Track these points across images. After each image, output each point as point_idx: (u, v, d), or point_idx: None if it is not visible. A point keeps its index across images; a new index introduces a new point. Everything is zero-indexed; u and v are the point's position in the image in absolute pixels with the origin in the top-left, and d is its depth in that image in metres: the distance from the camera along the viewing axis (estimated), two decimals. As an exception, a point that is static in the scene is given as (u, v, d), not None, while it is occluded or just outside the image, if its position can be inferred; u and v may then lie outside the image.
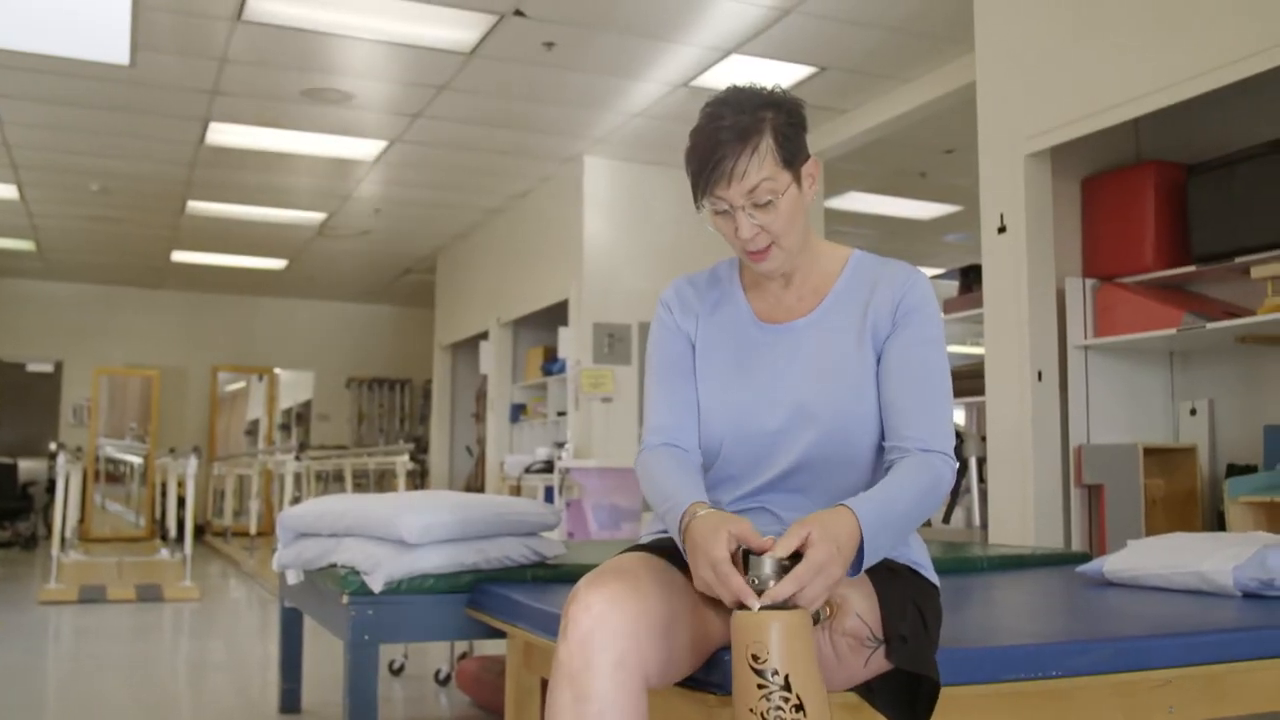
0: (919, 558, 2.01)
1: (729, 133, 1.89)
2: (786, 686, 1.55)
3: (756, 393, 2.02)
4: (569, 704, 1.65)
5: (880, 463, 2.02)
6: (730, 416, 2.03)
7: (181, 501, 9.46)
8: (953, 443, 1.97)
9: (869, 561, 1.76)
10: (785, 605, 1.61)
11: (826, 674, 1.72)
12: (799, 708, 1.55)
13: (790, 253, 1.99)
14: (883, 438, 2.01)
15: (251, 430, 16.29)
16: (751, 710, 1.56)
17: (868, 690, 1.83)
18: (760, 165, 1.89)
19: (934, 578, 2.01)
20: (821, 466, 1.99)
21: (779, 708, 1.55)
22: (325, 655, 4.77)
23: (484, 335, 11.36)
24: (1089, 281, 5.09)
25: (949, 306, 5.96)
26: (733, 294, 2.14)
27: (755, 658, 1.56)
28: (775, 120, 1.92)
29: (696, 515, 1.78)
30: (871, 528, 1.74)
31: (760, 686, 1.55)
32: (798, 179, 1.95)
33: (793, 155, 1.93)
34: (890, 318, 2.01)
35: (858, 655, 1.78)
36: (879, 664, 1.81)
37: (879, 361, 2.01)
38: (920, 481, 1.88)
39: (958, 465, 1.97)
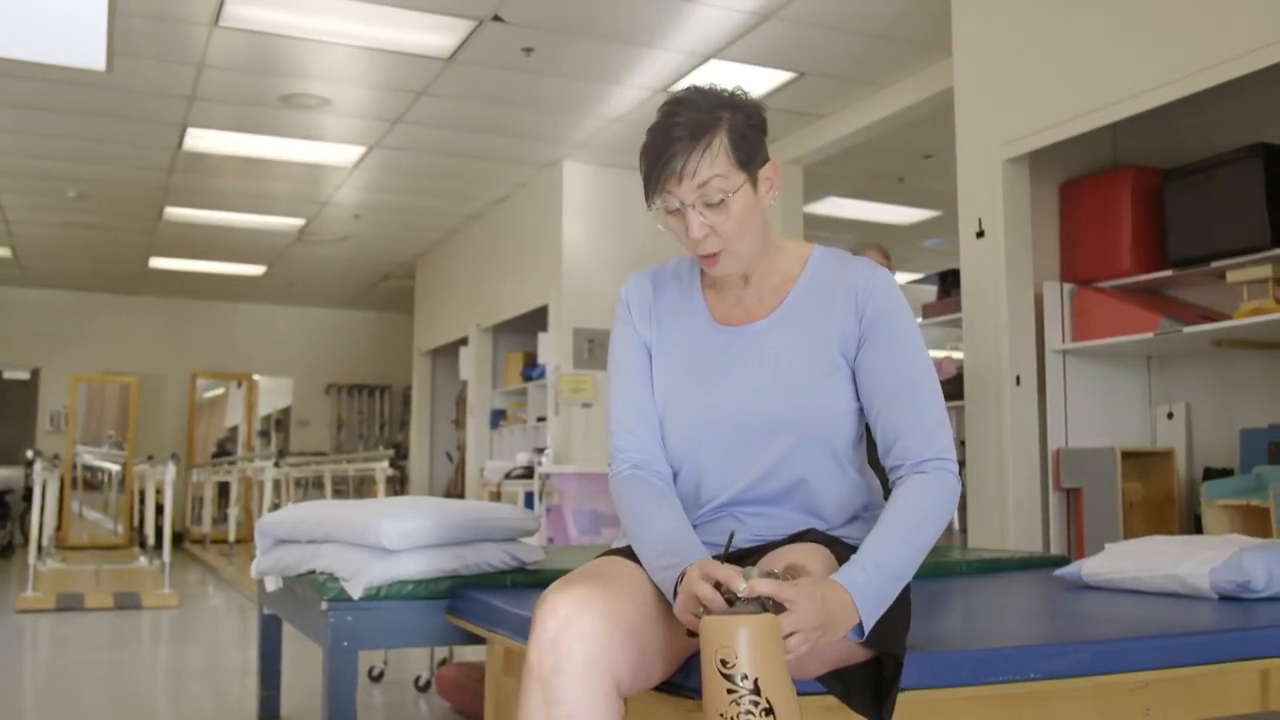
0: None
1: (683, 130, 1.86)
2: (756, 690, 1.54)
3: (721, 400, 1.98)
4: (539, 706, 1.64)
5: (854, 468, 2.01)
6: (695, 425, 2.00)
7: (160, 508, 9.41)
8: (949, 441, 1.92)
9: (870, 624, 1.74)
10: (756, 610, 1.60)
11: (800, 658, 1.70)
12: (769, 711, 1.54)
13: (743, 258, 1.96)
14: (856, 441, 2.01)
15: (231, 437, 16.24)
16: (722, 715, 1.55)
17: (844, 691, 1.82)
18: (712, 162, 1.85)
19: None
20: (792, 474, 1.97)
21: (749, 712, 1.54)
22: (304, 662, 4.74)
23: (464, 341, 11.35)
24: (1067, 286, 5.11)
25: (927, 311, 5.98)
26: (691, 293, 2.10)
27: (724, 662, 1.55)
28: (732, 120, 1.89)
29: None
30: (868, 606, 1.72)
31: (730, 691, 1.54)
32: (754, 181, 1.91)
33: (749, 156, 1.90)
34: (857, 322, 1.97)
35: None
36: (850, 646, 1.79)
37: (855, 373, 1.97)
38: (917, 512, 1.84)
39: (958, 467, 1.94)
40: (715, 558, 1.73)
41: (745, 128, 1.90)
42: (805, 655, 1.72)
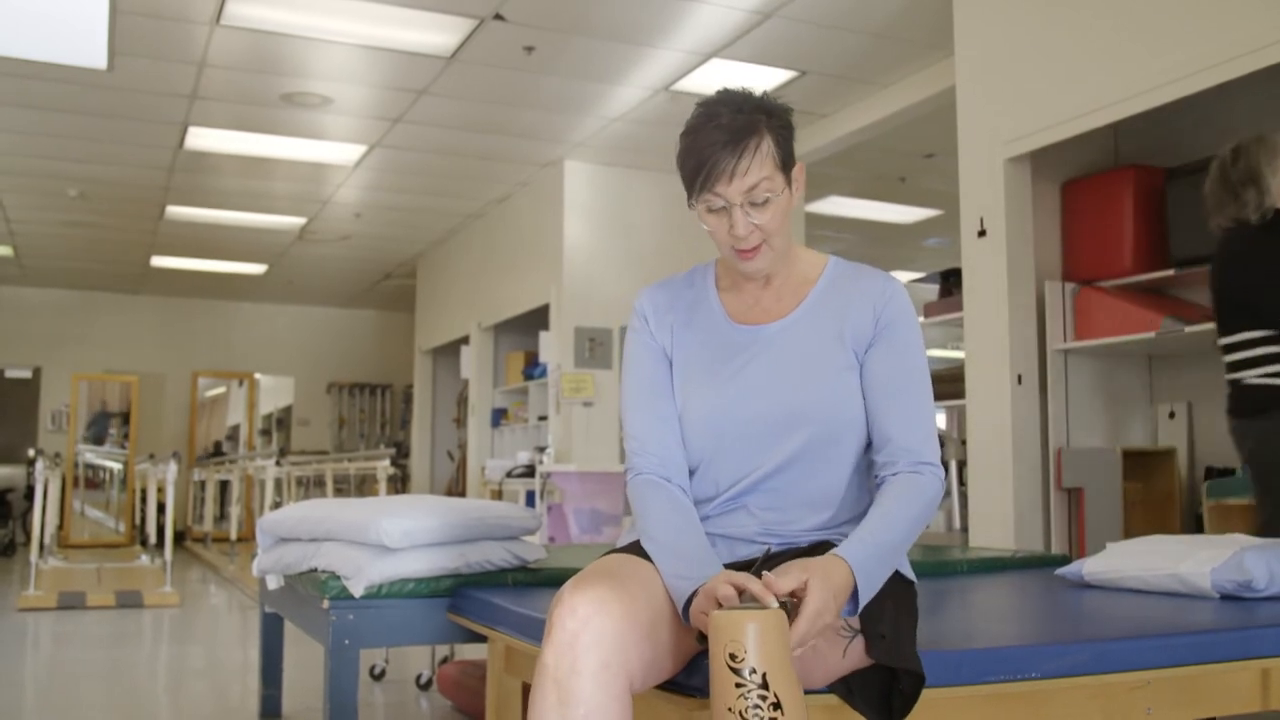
0: None
1: (727, 132, 1.91)
2: (764, 685, 1.55)
3: (740, 395, 2.02)
4: (554, 707, 1.65)
5: (861, 465, 2.03)
6: (714, 421, 2.02)
7: (161, 507, 9.42)
8: (939, 450, 1.99)
9: (865, 601, 1.78)
10: (762, 605, 1.61)
11: (805, 670, 1.72)
12: (776, 705, 1.55)
13: (778, 254, 2.01)
14: (868, 443, 2.02)
15: (230, 435, 16.24)
16: (730, 709, 1.56)
17: (847, 691, 1.83)
18: (761, 164, 1.91)
19: (910, 574, 2.01)
20: (806, 468, 1.99)
21: (757, 706, 1.55)
22: (306, 660, 4.74)
23: (465, 340, 11.35)
24: (1068, 285, 5.11)
25: (929, 310, 5.97)
26: (707, 296, 2.14)
27: (733, 656, 1.56)
28: (769, 123, 1.94)
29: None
30: (865, 573, 1.77)
31: (738, 685, 1.55)
32: (789, 182, 1.97)
33: (787, 157, 1.97)
34: (872, 327, 2.03)
35: (835, 647, 1.79)
36: (856, 657, 1.81)
37: (863, 371, 2.02)
38: (911, 509, 1.91)
39: (943, 474, 1.99)
40: (743, 564, 1.77)
41: (781, 129, 1.97)
42: (811, 670, 1.75)
